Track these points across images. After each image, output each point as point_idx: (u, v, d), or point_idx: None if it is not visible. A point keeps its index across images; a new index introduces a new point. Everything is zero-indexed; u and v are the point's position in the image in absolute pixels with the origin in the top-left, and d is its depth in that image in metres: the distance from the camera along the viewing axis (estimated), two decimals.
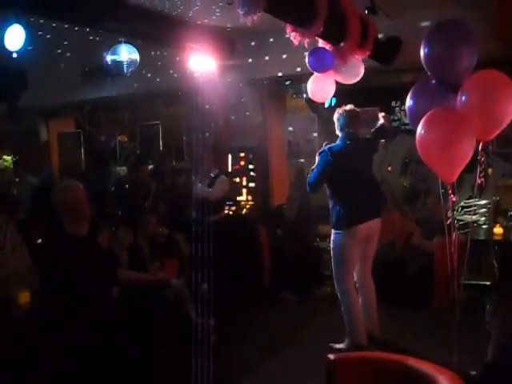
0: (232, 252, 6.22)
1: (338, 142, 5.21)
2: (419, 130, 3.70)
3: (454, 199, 3.92)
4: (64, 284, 3.88)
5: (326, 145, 5.23)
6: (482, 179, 3.97)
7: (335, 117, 5.27)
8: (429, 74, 3.86)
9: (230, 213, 8.25)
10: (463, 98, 3.53)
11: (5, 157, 10.68)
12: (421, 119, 3.73)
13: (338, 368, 2.61)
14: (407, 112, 4.10)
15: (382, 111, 5.58)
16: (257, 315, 6.32)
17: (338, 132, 5.26)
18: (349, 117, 5.21)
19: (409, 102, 3.97)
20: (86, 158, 10.69)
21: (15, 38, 4.99)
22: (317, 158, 5.20)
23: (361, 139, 5.34)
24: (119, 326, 4.19)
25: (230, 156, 8.80)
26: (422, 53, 3.81)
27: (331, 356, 2.64)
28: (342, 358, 2.67)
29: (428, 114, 3.61)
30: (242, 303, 6.35)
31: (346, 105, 5.27)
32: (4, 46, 5.08)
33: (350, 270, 5.17)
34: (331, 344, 5.14)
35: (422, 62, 3.83)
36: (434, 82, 3.84)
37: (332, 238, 5.21)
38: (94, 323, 3.87)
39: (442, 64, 3.72)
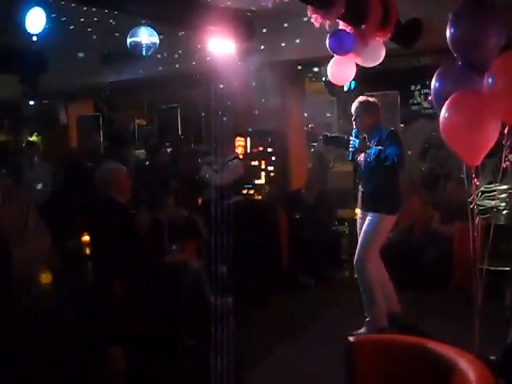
0: (250, 235, 6.22)
1: (383, 129, 5.20)
2: (443, 112, 3.65)
3: (477, 183, 3.89)
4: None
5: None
6: (508, 163, 3.91)
7: (359, 108, 5.25)
8: (455, 55, 3.78)
9: (249, 196, 8.25)
10: (490, 80, 3.47)
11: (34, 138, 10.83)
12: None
13: (358, 350, 2.61)
14: (432, 95, 4.04)
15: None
16: (275, 298, 6.34)
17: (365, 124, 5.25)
18: (375, 106, 5.31)
19: (434, 84, 3.90)
20: (104, 141, 10.73)
21: (36, 21, 5.02)
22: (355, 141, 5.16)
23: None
24: (140, 308, 4.24)
25: (248, 139, 8.79)
26: (447, 34, 3.73)
27: (351, 338, 2.65)
28: (361, 340, 2.67)
29: (452, 96, 3.55)
30: (260, 286, 6.37)
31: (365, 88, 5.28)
32: (25, 29, 5.11)
33: (377, 251, 5.18)
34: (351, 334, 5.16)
35: (448, 43, 3.75)
36: (459, 64, 3.78)
37: (379, 220, 5.12)
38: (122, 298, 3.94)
39: (468, 45, 3.64)
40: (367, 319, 5.13)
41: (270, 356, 4.78)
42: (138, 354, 4.08)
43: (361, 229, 5.25)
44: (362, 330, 5.11)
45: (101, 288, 4.40)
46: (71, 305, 3.99)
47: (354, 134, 5.23)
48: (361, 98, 5.29)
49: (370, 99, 5.30)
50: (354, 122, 5.27)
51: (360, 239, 5.22)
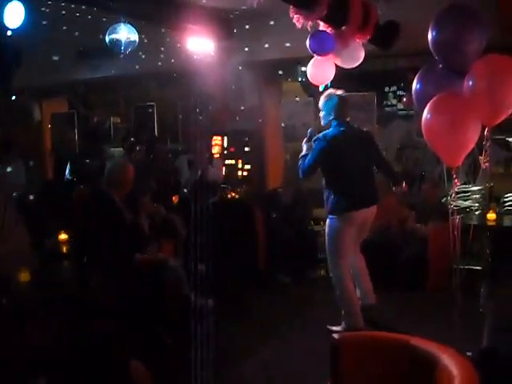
0: (227, 234, 6.23)
1: (331, 128, 5.21)
2: (425, 114, 3.72)
3: (458, 183, 3.96)
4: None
5: (310, 131, 5.26)
6: (487, 164, 4.00)
7: (323, 101, 5.28)
8: (436, 58, 3.85)
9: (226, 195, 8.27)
10: (470, 82, 3.54)
11: None
12: (427, 103, 3.75)
13: (343, 347, 2.65)
14: (413, 97, 4.10)
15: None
16: (252, 297, 6.36)
17: (326, 118, 5.27)
18: (342, 102, 5.27)
19: (415, 86, 3.98)
20: (79, 139, 10.63)
21: (14, 15, 4.93)
22: (304, 146, 5.23)
23: (354, 128, 5.38)
24: (118, 308, 4.22)
25: (225, 138, 8.80)
26: (429, 36, 3.80)
27: (335, 335, 2.69)
28: (346, 338, 2.71)
29: (434, 98, 3.63)
30: (237, 285, 6.38)
31: (337, 89, 5.31)
32: (1, 23, 5.01)
33: (345, 255, 5.19)
34: (328, 327, 5.19)
35: (430, 45, 3.82)
36: (440, 66, 3.85)
37: (327, 223, 5.25)
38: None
39: (449, 48, 3.70)
40: (343, 319, 5.19)
41: (249, 354, 4.80)
42: (114, 352, 4.06)
43: None
44: (339, 327, 5.15)
45: (78, 285, 4.39)
46: (49, 302, 3.97)
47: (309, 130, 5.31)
48: (327, 92, 5.29)
49: (338, 93, 5.28)
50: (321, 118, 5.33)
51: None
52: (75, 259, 4.64)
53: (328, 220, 5.24)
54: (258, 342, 5.05)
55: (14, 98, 9.34)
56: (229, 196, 8.42)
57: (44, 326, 3.75)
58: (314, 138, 5.16)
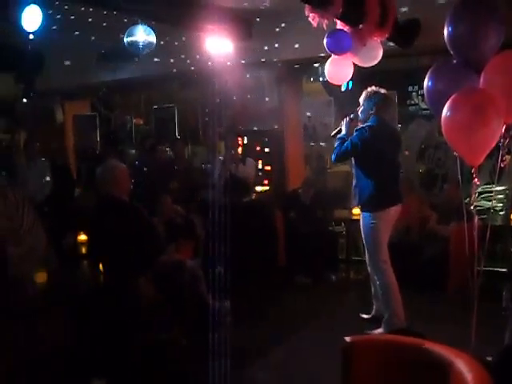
0: (247, 235, 6.21)
1: (370, 122, 5.13)
2: (445, 112, 3.61)
3: (478, 182, 3.87)
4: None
5: (354, 115, 5.21)
6: (506, 162, 3.90)
7: (365, 97, 5.22)
8: (452, 53, 3.76)
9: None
10: (487, 78, 3.45)
11: None
12: (441, 102, 3.66)
13: (355, 350, 2.60)
14: (425, 95, 4.02)
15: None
16: (272, 298, 6.32)
17: (365, 112, 5.20)
18: (384, 100, 5.25)
19: (427, 84, 3.88)
20: (101, 141, 10.70)
21: (32, 18, 4.99)
22: (343, 127, 5.18)
23: (390, 125, 5.33)
24: (134, 308, 4.22)
25: (245, 139, 8.78)
26: (445, 31, 3.71)
27: (347, 338, 2.63)
28: (358, 340, 2.66)
29: (454, 95, 3.51)
30: (257, 286, 6.36)
31: (365, 87, 5.27)
32: (21, 27, 5.07)
33: (385, 257, 5.12)
34: (361, 315, 5.29)
35: (446, 40, 3.72)
36: (455, 62, 3.75)
37: (363, 220, 5.17)
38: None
39: (466, 43, 3.61)
40: (384, 318, 5.11)
41: (266, 356, 4.77)
42: (134, 354, 4.07)
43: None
44: (380, 330, 5.09)
45: (96, 287, 4.40)
46: (67, 303, 3.99)
47: (351, 116, 5.24)
48: (370, 89, 5.25)
49: (381, 91, 5.24)
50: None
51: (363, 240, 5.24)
52: (91, 260, 4.64)
53: (366, 217, 5.15)
54: (274, 342, 5.00)
55: (36, 100, 9.44)
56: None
57: (60, 326, 3.77)
58: (356, 128, 5.10)
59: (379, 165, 5.08)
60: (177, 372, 4.40)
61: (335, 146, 5.18)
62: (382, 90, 5.25)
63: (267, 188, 8.60)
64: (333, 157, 5.19)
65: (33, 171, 8.04)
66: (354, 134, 5.08)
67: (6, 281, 3.29)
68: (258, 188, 8.43)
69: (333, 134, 5.43)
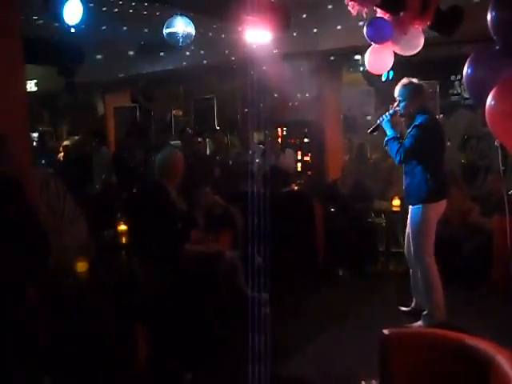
0: (287, 226, 6.19)
1: (424, 116, 5.00)
2: (489, 101, 3.49)
3: None
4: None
5: (393, 111, 5.10)
6: None
7: (399, 89, 5.11)
8: (494, 39, 3.63)
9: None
10: None
11: None
12: (481, 90, 3.55)
13: (393, 343, 2.56)
14: (465, 83, 3.91)
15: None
16: (310, 290, 6.30)
17: (405, 106, 5.08)
18: (419, 90, 5.13)
19: (467, 72, 3.76)
20: (141, 132, 10.79)
21: (73, 12, 5.03)
22: (386, 127, 5.06)
23: (436, 118, 5.25)
24: (173, 297, 4.25)
25: (285, 129, 8.76)
26: (488, 16, 3.60)
27: (386, 331, 2.60)
28: (397, 333, 2.62)
29: (500, 83, 3.40)
30: (295, 278, 6.34)
31: (406, 77, 5.17)
32: (63, 21, 5.13)
33: (431, 251, 5.06)
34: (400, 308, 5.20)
35: (489, 25, 3.61)
36: (496, 48, 3.62)
37: (415, 212, 5.07)
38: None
39: (509, 28, 3.48)
40: (425, 312, 5.05)
41: (305, 348, 4.74)
42: (170, 342, 4.10)
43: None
44: (419, 323, 5.04)
45: (135, 276, 4.44)
46: (107, 292, 4.04)
47: (390, 112, 5.13)
48: (404, 81, 5.14)
49: (414, 81, 5.13)
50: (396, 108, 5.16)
51: (410, 233, 5.17)
52: (129, 250, 4.69)
53: (417, 209, 5.06)
54: (313, 334, 4.98)
55: (78, 93, 9.58)
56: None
57: (101, 315, 3.83)
58: (412, 125, 4.98)
59: (433, 160, 5.03)
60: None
61: (390, 148, 5.04)
62: (415, 80, 5.12)
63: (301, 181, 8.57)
64: (397, 159, 5.04)
65: (97, 160, 8.21)
66: (409, 134, 4.97)
67: (48, 270, 3.34)
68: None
69: (370, 130, 5.35)
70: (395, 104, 5.15)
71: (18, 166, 3.38)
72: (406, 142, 4.96)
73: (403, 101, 5.09)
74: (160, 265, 4.37)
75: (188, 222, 5.34)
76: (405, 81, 5.13)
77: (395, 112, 5.11)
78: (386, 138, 5.08)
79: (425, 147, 4.96)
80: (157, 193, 4.79)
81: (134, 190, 6.78)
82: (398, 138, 5.00)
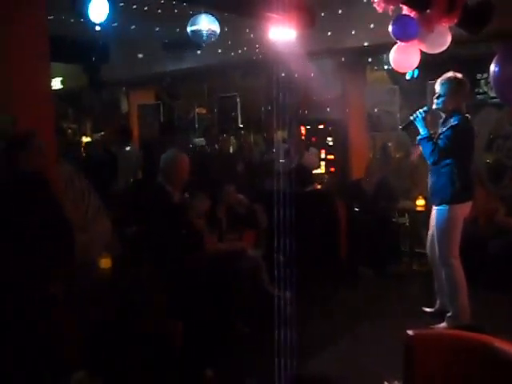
0: (310, 225, 6.17)
1: (458, 116, 4.91)
2: None
3: None
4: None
5: (425, 109, 5.02)
6: None
7: (441, 84, 4.97)
8: None
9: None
10: None
11: None
12: (510, 89, 3.50)
13: (418, 344, 2.53)
14: (492, 81, 3.85)
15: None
16: (333, 289, 6.28)
17: (442, 102, 4.99)
18: (462, 86, 5.00)
19: (494, 70, 3.71)
20: (165, 129, 10.84)
21: (99, 10, 5.06)
22: (419, 126, 4.98)
23: (469, 119, 5.10)
24: (196, 295, 4.26)
25: (308, 128, 8.73)
26: None
27: (410, 332, 2.56)
28: (422, 335, 2.58)
29: None
30: (318, 277, 6.31)
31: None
32: (88, 19, 5.16)
33: (457, 253, 5.00)
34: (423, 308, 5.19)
35: None
36: None
37: (441, 213, 5.00)
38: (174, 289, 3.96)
39: None
40: (449, 314, 5.00)
41: (328, 347, 4.73)
42: (192, 342, 4.10)
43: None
44: (443, 324, 4.98)
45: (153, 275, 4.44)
46: (131, 290, 4.05)
47: (424, 109, 5.05)
48: (448, 75, 4.99)
49: (458, 76, 4.98)
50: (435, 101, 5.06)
51: (435, 234, 5.10)
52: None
53: (439, 211, 5.01)
54: (335, 333, 4.97)
55: (102, 90, 9.65)
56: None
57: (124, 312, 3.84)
58: (448, 125, 4.89)
59: (462, 160, 4.95)
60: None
61: (423, 147, 4.97)
62: (459, 75, 4.98)
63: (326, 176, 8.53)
64: (429, 159, 4.96)
65: (125, 157, 8.28)
66: (443, 134, 4.89)
67: (73, 266, 3.36)
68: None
69: (402, 127, 5.28)
70: (433, 97, 5.07)
71: (44, 162, 3.40)
72: (441, 142, 4.87)
73: (443, 96, 4.96)
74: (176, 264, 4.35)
75: (211, 221, 5.36)
76: (448, 75, 4.99)
77: (429, 109, 5.04)
78: (419, 137, 5.00)
79: (458, 149, 4.89)
80: (158, 195, 4.74)
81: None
82: (431, 138, 4.94)
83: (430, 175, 5.10)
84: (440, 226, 5.00)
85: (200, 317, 4.24)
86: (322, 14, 6.98)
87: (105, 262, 4.18)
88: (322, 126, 8.72)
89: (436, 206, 5.06)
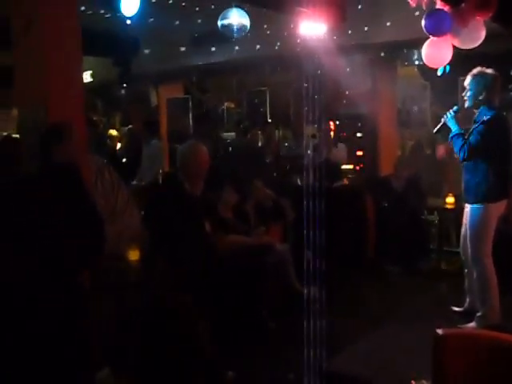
0: (338, 221, 6.13)
1: (491, 112, 4.83)
2: None
3: None
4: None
5: (457, 108, 4.99)
6: None
7: (471, 80, 4.91)
8: None
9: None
10: None
11: None
12: None
13: (446, 343, 2.49)
14: None
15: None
16: (360, 286, 6.25)
17: (473, 99, 4.91)
18: (494, 82, 4.91)
19: None
20: (194, 124, 10.87)
21: (130, 3, 5.08)
22: (450, 123, 4.95)
23: (503, 115, 5.02)
24: (223, 289, 4.26)
25: (337, 123, 8.69)
26: None
27: (440, 331, 2.53)
28: (451, 334, 2.55)
29: None
30: (346, 273, 6.28)
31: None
32: (119, 12, 5.19)
33: (489, 252, 4.94)
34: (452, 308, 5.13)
35: None
36: None
37: (475, 212, 4.93)
38: (199, 284, 3.96)
39: None
40: (478, 314, 4.94)
41: (355, 344, 4.69)
42: (218, 334, 4.11)
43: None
44: (472, 324, 4.92)
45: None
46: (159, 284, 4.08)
47: (454, 109, 5.00)
48: (477, 70, 4.92)
49: (488, 71, 4.90)
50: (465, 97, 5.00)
51: (468, 234, 5.03)
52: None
53: (473, 209, 4.94)
54: (363, 330, 4.92)
55: (132, 84, 9.69)
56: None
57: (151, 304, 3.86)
58: (480, 121, 4.82)
59: (498, 158, 4.87)
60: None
61: (455, 143, 4.90)
62: (489, 71, 4.90)
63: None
64: (461, 155, 4.87)
65: (147, 151, 8.34)
66: (474, 130, 4.82)
67: (102, 258, 3.39)
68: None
69: (436, 130, 5.22)
70: (463, 94, 5.01)
71: (78, 154, 3.43)
72: (472, 138, 4.79)
73: (471, 91, 4.91)
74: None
75: (238, 215, 5.36)
76: (478, 70, 4.92)
77: (459, 109, 4.99)
78: (451, 134, 4.94)
79: (490, 145, 4.80)
80: (173, 188, 4.60)
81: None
82: (463, 135, 4.87)
83: (463, 172, 5.03)
84: (473, 225, 4.93)
85: (227, 313, 4.24)
86: (359, 7, 6.94)
87: (133, 254, 4.22)
88: (351, 121, 8.66)
89: (470, 204, 4.99)
